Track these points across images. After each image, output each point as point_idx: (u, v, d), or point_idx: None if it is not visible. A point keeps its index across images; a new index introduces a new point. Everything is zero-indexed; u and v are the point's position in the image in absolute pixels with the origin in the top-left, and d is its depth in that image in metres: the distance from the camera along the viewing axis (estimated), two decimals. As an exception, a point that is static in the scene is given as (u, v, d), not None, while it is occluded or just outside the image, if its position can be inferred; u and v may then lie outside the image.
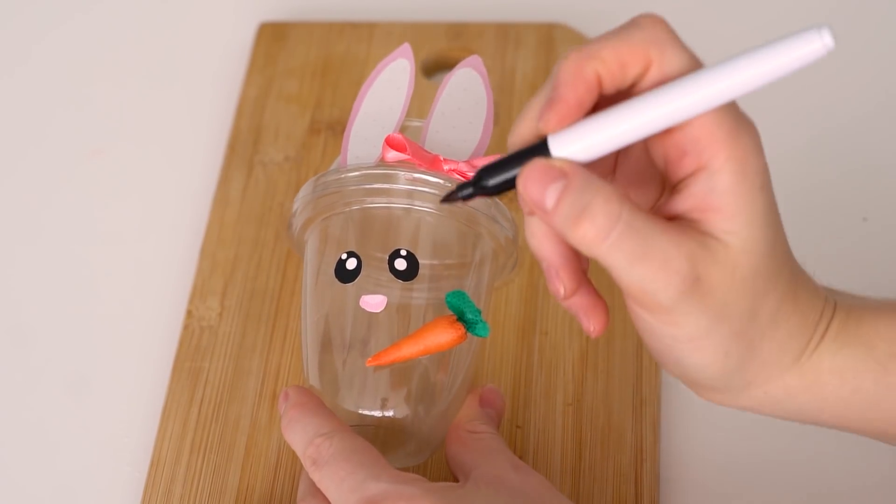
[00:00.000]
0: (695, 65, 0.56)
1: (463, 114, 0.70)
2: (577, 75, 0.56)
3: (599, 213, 0.55)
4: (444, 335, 0.64)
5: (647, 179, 0.60)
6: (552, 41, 0.89)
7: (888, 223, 0.81)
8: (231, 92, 0.89)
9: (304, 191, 0.68)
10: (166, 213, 0.84)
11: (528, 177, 0.56)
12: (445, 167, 0.67)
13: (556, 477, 0.71)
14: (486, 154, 0.69)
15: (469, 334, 0.64)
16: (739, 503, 0.71)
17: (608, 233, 0.55)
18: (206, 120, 0.88)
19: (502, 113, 0.86)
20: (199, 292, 0.79)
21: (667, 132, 0.56)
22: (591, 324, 0.60)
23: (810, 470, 0.70)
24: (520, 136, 0.58)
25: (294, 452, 0.66)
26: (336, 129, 0.86)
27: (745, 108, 0.57)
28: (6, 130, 0.90)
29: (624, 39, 0.56)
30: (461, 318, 0.64)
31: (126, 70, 0.92)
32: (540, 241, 0.59)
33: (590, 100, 0.56)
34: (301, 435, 0.64)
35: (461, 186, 0.58)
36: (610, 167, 0.61)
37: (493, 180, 0.58)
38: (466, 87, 0.71)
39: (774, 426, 0.73)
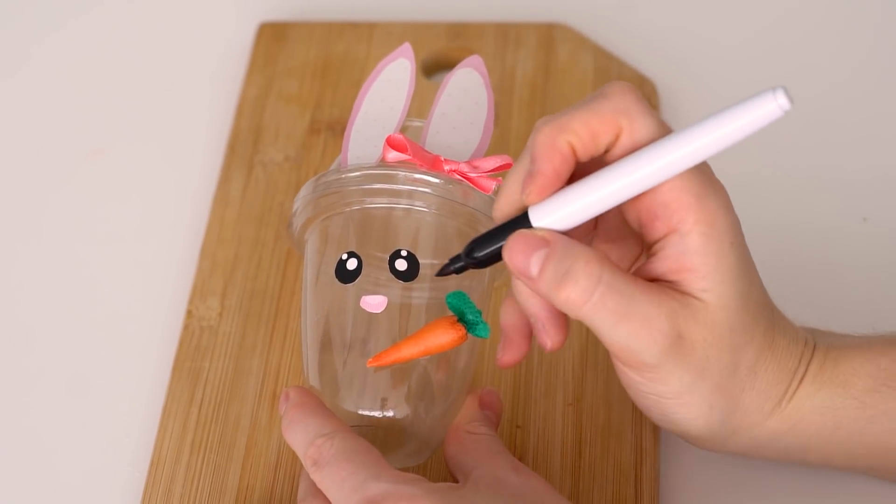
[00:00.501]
0: (663, 130, 0.59)
1: (463, 114, 0.70)
2: (552, 148, 0.59)
3: (581, 275, 0.59)
4: (444, 336, 0.64)
5: (627, 237, 0.64)
6: (552, 41, 0.89)
7: (888, 223, 0.81)
8: (231, 92, 0.89)
9: (305, 190, 0.68)
10: (166, 213, 0.84)
11: (513, 248, 0.60)
12: (446, 168, 0.67)
13: (556, 476, 0.71)
14: (487, 154, 0.69)
15: (470, 335, 0.64)
16: (739, 502, 0.71)
17: (591, 294, 0.59)
18: (206, 120, 0.88)
19: (502, 113, 0.86)
20: (199, 292, 0.79)
21: (637, 198, 0.59)
22: (549, 339, 0.63)
23: (810, 469, 0.70)
24: (502, 209, 0.62)
25: (294, 452, 0.66)
26: (336, 129, 0.86)
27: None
28: (6, 131, 0.90)
29: (594, 111, 0.59)
30: (462, 318, 0.64)
31: (126, 70, 0.92)
32: (527, 299, 0.62)
33: (566, 170, 0.60)
34: (302, 436, 0.64)
35: (453, 260, 0.63)
36: (591, 226, 0.64)
37: (481, 252, 0.62)
38: (467, 87, 0.71)
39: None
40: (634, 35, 0.91)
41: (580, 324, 0.75)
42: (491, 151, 0.70)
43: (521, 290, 0.62)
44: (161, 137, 0.89)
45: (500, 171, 0.67)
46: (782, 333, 0.63)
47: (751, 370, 0.62)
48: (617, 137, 0.59)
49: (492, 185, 0.67)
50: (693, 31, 0.92)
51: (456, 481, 0.66)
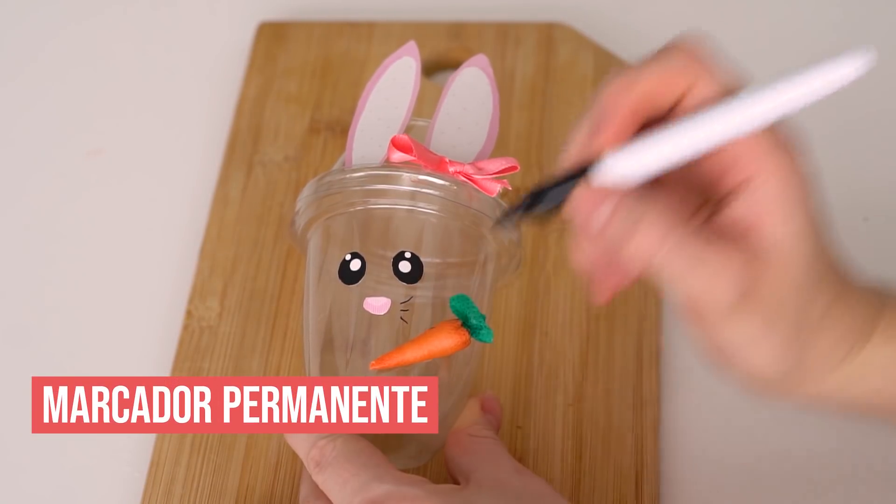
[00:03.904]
0: (733, 87, 0.58)
1: (468, 114, 0.70)
2: (621, 101, 0.58)
3: (652, 226, 0.58)
4: (448, 340, 0.64)
5: (686, 188, 0.62)
6: (552, 41, 0.89)
7: (888, 223, 0.81)
8: (230, 92, 0.89)
9: (308, 189, 0.68)
10: (166, 213, 0.84)
11: (582, 197, 0.58)
12: (451, 169, 0.66)
13: (556, 477, 0.71)
14: (492, 157, 0.69)
15: (473, 339, 0.64)
16: (740, 502, 0.71)
17: (661, 244, 0.57)
18: (206, 120, 0.88)
19: (502, 113, 0.85)
20: (198, 292, 0.79)
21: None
22: (601, 293, 0.62)
23: (810, 469, 0.70)
24: (569, 160, 0.60)
25: (294, 452, 0.66)
26: (335, 129, 0.86)
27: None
28: (5, 131, 0.90)
29: (663, 65, 0.59)
30: (465, 323, 0.64)
31: (125, 69, 0.92)
32: (585, 254, 0.61)
33: (634, 123, 0.59)
34: (304, 437, 0.64)
35: (514, 209, 0.60)
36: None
37: (546, 203, 0.60)
38: (473, 85, 0.70)
39: (774, 425, 0.73)
40: (634, 35, 0.91)
41: (578, 324, 0.75)
42: (496, 153, 0.70)
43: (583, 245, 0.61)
44: (160, 137, 0.89)
45: (505, 174, 0.67)
46: (853, 288, 0.62)
47: (822, 320, 0.61)
48: (685, 94, 0.59)
49: (496, 187, 0.67)
50: (693, 32, 0.92)
51: (457, 484, 0.66)
